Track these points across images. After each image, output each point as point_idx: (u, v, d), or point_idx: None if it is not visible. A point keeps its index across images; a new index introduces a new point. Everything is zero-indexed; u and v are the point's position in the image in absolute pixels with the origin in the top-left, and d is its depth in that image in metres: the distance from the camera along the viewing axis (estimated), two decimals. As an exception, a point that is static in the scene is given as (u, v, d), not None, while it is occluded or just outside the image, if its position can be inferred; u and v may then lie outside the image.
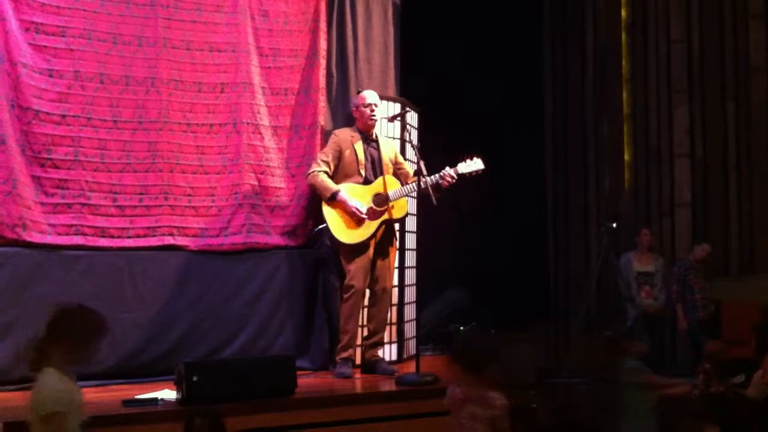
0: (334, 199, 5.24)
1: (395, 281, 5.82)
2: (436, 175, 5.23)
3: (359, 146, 5.40)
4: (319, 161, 5.41)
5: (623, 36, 8.08)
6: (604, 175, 8.20)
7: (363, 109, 5.44)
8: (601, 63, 8.24)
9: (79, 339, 3.06)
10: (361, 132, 5.47)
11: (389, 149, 5.55)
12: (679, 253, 7.42)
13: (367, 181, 5.37)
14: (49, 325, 3.05)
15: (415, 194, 5.31)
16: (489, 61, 7.66)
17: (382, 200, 5.30)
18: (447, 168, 5.28)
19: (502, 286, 7.42)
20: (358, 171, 5.37)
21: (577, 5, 8.44)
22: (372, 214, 5.26)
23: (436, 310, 7.44)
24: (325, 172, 5.34)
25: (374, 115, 5.41)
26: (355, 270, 5.24)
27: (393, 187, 5.34)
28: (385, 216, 5.30)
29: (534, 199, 8.48)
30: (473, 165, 5.33)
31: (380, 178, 5.36)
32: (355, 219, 5.24)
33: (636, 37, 8.00)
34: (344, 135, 5.47)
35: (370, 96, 5.47)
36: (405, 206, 5.44)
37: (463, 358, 3.53)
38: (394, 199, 5.30)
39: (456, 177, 5.26)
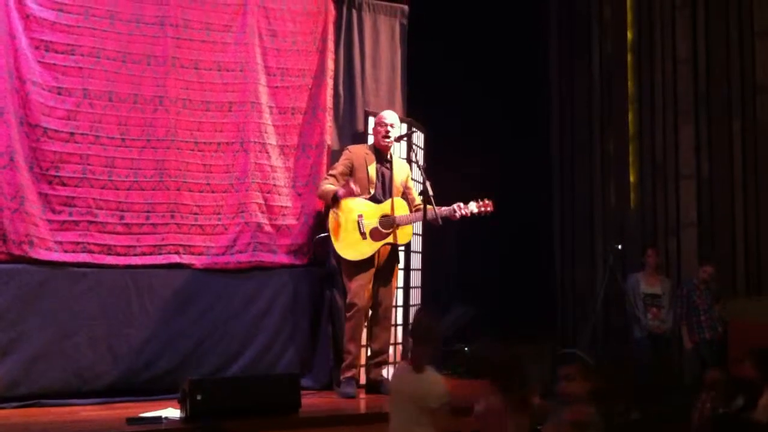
0: (337, 201, 5.24)
1: (400, 301, 5.81)
2: (446, 209, 5.22)
3: (372, 165, 5.40)
4: (327, 175, 5.45)
5: (629, 55, 8.11)
6: (609, 194, 8.20)
7: (378, 128, 5.45)
8: (607, 82, 8.27)
9: (438, 340, 3.77)
10: (376, 151, 5.47)
11: (402, 172, 5.53)
12: (685, 273, 7.38)
13: (375, 201, 5.36)
14: (424, 331, 3.67)
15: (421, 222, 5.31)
16: (496, 80, 7.70)
17: (389, 223, 5.29)
18: (460, 204, 5.28)
19: (509, 301, 7.41)
20: (368, 189, 5.36)
21: (584, 25, 8.49)
22: (377, 236, 5.27)
23: (444, 327, 7.42)
24: (331, 184, 5.35)
25: (388, 136, 5.40)
26: (357, 288, 5.24)
27: (402, 211, 5.33)
28: (390, 239, 5.29)
29: (541, 215, 8.49)
30: (484, 207, 5.34)
31: (390, 200, 5.33)
32: (357, 232, 5.23)
33: (642, 57, 8.02)
34: (359, 151, 5.47)
35: (387, 116, 5.46)
36: (410, 233, 5.42)
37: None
38: (402, 225, 5.31)
39: (465, 215, 5.27)
